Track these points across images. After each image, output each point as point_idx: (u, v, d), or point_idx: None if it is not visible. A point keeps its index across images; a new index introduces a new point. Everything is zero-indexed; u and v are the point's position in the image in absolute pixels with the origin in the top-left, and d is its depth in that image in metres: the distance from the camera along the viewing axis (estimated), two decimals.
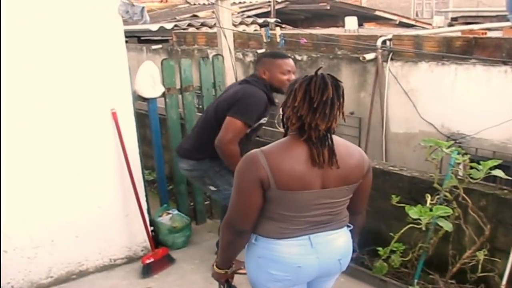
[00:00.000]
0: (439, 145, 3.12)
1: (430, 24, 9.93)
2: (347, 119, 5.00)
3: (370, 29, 9.63)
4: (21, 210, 3.24)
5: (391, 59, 4.37)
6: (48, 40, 3.13)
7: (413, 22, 11.00)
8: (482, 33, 4.65)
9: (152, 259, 3.58)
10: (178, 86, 4.17)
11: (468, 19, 9.14)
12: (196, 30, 6.83)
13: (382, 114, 4.53)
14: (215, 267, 2.03)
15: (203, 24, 7.10)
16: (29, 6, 3.03)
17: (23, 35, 3.04)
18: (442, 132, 4.06)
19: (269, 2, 10.62)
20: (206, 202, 4.56)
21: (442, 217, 2.94)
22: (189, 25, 6.97)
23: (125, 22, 3.43)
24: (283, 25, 6.12)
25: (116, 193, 3.59)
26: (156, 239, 3.84)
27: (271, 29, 5.35)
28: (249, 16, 8.78)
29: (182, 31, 6.76)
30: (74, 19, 3.20)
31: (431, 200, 3.04)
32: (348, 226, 1.98)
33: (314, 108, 1.70)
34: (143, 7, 3.25)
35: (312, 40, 5.00)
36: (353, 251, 2.01)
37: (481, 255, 2.92)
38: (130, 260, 3.74)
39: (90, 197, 3.48)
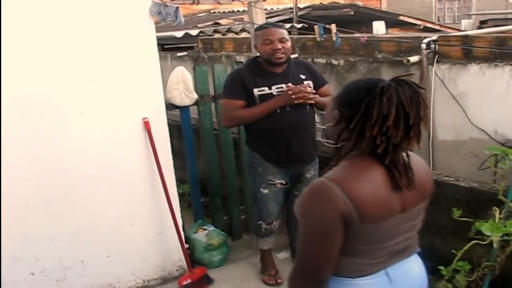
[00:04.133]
0: (506, 153, 2.81)
1: (456, 29, 9.58)
2: None
3: (396, 34, 9.33)
4: (49, 228, 2.99)
5: (437, 61, 4.05)
6: (77, 43, 2.90)
7: (437, 27, 10.64)
8: None
9: (189, 280, 3.29)
10: (211, 93, 3.93)
11: (499, 22, 8.80)
12: (223, 36, 6.59)
13: (428, 121, 4.19)
14: None
15: (229, 30, 6.88)
16: (57, 9, 2.80)
17: (51, 40, 2.81)
18: (496, 139, 3.71)
19: (291, 9, 10.45)
20: (243, 217, 4.27)
21: None
22: (215, 31, 6.75)
23: (157, 24, 3.19)
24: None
25: (150, 208, 3.33)
26: (191, 258, 3.56)
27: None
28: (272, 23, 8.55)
29: (208, 37, 6.53)
30: (104, 21, 2.97)
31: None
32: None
33: (409, 126, 1.37)
34: (177, 7, 3.00)
35: (349, 44, 4.70)
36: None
37: None
38: (164, 280, 3.46)
39: (122, 213, 3.22)
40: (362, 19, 10.21)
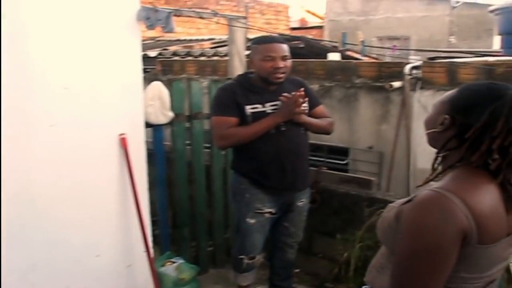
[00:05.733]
0: None
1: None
2: (365, 154, 4.68)
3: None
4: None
5: (421, 87, 4.00)
6: (52, 45, 2.50)
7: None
8: None
9: None
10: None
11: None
12: (186, 58, 6.30)
13: (408, 149, 4.12)
14: None
15: (188, 54, 6.61)
16: (31, 8, 2.41)
17: (23, 39, 2.40)
18: None
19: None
20: (210, 248, 3.92)
21: None
22: (174, 54, 6.46)
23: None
24: None
25: (119, 238, 2.92)
26: None
27: None
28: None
29: (168, 59, 6.21)
30: (84, 23, 2.59)
31: None
32: None
33: None
34: (169, 12, 2.70)
35: (325, 68, 4.58)
36: None
37: None
38: None
39: (88, 243, 2.78)
40: (310, 53, 10.28)
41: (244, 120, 2.86)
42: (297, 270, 3.67)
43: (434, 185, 1.26)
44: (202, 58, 6.32)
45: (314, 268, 3.87)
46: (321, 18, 19.58)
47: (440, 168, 1.37)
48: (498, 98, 1.22)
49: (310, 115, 2.96)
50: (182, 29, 12.37)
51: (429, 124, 1.42)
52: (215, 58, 6.49)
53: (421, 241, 1.19)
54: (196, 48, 7.76)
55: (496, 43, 11.68)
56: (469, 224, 1.16)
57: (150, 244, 3.03)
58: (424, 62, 4.18)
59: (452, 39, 11.15)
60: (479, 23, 13.04)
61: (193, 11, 3.39)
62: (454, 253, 1.17)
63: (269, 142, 2.85)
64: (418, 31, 14.21)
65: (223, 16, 3.77)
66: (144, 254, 2.98)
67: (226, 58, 6.52)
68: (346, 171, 4.48)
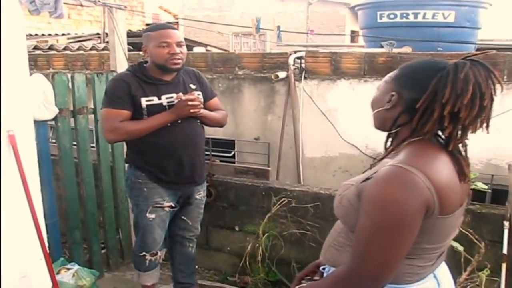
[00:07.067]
0: None
1: None
2: (252, 145, 4.73)
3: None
4: None
5: (305, 77, 4.16)
6: None
7: None
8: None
9: None
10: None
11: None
12: (51, 52, 5.80)
13: (296, 138, 4.28)
14: None
15: (51, 48, 6.09)
16: None
17: None
18: (367, 153, 3.97)
19: (98, 34, 9.99)
20: (103, 251, 3.70)
21: None
22: (35, 48, 5.90)
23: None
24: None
25: (11, 245, 2.61)
26: None
27: None
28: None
29: (30, 53, 5.67)
30: None
31: None
32: None
33: (483, 107, 1.26)
34: None
35: (207, 60, 4.55)
36: None
37: None
38: None
39: None
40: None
41: (138, 112, 2.74)
42: (196, 267, 3.64)
43: (390, 162, 1.28)
44: (68, 52, 5.89)
45: (214, 263, 3.85)
46: (174, 15, 19.50)
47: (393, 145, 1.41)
48: (441, 68, 1.29)
49: (204, 107, 2.93)
50: (31, 23, 11.43)
51: (376, 104, 1.46)
52: (86, 52, 6.09)
53: (386, 214, 1.21)
54: (52, 43, 7.20)
55: (347, 39, 12.75)
56: (431, 196, 1.21)
57: (47, 250, 2.76)
58: (307, 52, 4.36)
59: (310, 35, 11.84)
60: (331, 19, 14.05)
61: None
62: (417, 225, 1.22)
63: (165, 135, 2.76)
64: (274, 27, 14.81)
65: (104, 4, 3.57)
66: (41, 262, 2.71)
67: (95, 51, 6.20)
68: (233, 163, 4.53)
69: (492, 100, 1.28)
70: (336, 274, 1.34)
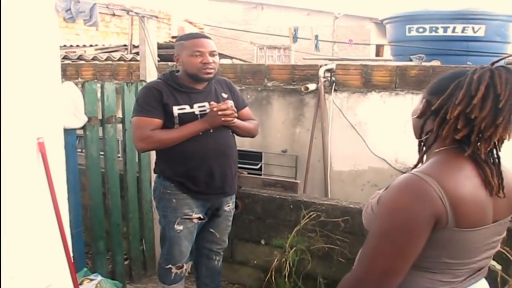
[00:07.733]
0: None
1: None
2: (279, 158, 4.67)
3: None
4: None
5: (335, 90, 4.10)
6: None
7: None
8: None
9: None
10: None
11: None
12: (79, 62, 5.87)
13: (324, 151, 4.20)
14: None
15: (80, 58, 6.17)
16: None
17: None
18: (397, 167, 3.87)
19: (126, 46, 10.13)
20: (126, 262, 3.66)
21: None
22: (65, 57, 5.98)
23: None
24: None
25: (37, 255, 2.58)
26: None
27: None
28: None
29: (61, 62, 5.74)
30: None
31: None
32: None
33: (499, 109, 1.20)
34: (94, 4, 2.47)
35: (236, 71, 4.53)
36: None
37: None
38: None
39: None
40: None
41: (169, 121, 2.71)
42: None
43: (415, 170, 1.28)
44: (97, 62, 5.94)
45: (238, 277, 3.77)
46: (200, 28, 19.68)
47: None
48: (462, 74, 1.29)
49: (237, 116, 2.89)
50: (60, 34, 11.61)
51: (412, 113, 1.46)
52: (115, 62, 6.14)
53: (391, 220, 1.19)
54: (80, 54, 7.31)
55: (372, 52, 12.67)
56: (443, 207, 1.17)
57: (72, 260, 2.73)
58: (338, 64, 4.31)
59: (335, 48, 11.80)
60: (357, 34, 13.98)
61: (107, 6, 3.15)
62: (422, 236, 1.18)
63: (196, 144, 2.72)
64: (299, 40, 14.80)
65: (137, 14, 3.57)
66: (65, 272, 2.68)
67: (123, 61, 6.24)
68: (259, 176, 4.47)
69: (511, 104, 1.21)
70: (343, 282, 1.30)
